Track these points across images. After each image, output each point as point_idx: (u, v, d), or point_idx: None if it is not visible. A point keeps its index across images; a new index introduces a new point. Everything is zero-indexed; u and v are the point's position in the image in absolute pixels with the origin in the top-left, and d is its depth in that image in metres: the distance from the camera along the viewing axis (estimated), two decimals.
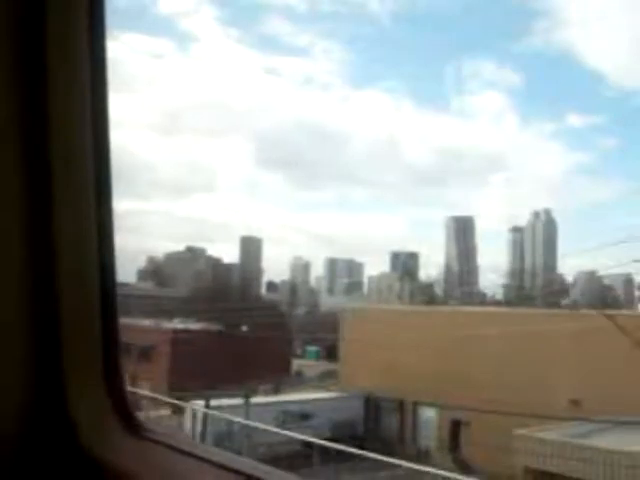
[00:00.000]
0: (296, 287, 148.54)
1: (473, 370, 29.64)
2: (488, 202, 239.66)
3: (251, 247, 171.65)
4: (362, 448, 20.09)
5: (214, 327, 48.05)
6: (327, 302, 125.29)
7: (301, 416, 28.59)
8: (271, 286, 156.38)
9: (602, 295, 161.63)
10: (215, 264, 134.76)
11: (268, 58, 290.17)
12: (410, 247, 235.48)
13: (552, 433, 22.24)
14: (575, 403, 26.78)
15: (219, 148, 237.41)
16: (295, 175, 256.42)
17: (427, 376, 30.33)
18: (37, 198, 1.79)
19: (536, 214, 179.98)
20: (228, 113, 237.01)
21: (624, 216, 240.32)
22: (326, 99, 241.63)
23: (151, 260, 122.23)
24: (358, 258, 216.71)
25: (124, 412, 2.02)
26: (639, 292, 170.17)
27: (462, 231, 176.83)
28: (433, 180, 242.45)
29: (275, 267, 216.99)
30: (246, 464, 1.76)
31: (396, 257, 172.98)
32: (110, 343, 1.98)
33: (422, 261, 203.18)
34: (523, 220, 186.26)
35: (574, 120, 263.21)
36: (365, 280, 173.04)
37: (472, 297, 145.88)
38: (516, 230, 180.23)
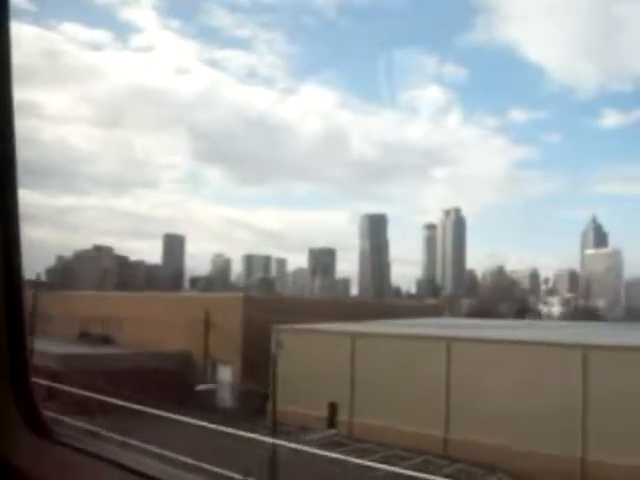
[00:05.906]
0: (212, 282, 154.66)
1: None
2: (431, 197, 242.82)
3: (174, 244, 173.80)
4: None
5: None
6: None
7: None
8: (193, 281, 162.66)
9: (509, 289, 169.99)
10: (121, 262, 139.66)
11: (210, 50, 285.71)
12: (351, 242, 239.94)
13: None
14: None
15: (161, 142, 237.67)
16: (238, 170, 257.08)
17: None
18: None
19: (447, 212, 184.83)
20: (170, 106, 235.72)
21: (566, 210, 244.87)
22: (269, 92, 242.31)
23: (60, 259, 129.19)
24: (280, 254, 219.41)
25: (31, 413, 2.03)
26: (545, 286, 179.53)
27: (375, 228, 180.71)
28: (376, 175, 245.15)
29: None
30: (152, 467, 1.82)
31: (312, 253, 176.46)
32: (17, 345, 1.97)
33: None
34: (465, 214, 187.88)
35: (517, 115, 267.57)
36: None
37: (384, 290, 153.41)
38: (430, 227, 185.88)
